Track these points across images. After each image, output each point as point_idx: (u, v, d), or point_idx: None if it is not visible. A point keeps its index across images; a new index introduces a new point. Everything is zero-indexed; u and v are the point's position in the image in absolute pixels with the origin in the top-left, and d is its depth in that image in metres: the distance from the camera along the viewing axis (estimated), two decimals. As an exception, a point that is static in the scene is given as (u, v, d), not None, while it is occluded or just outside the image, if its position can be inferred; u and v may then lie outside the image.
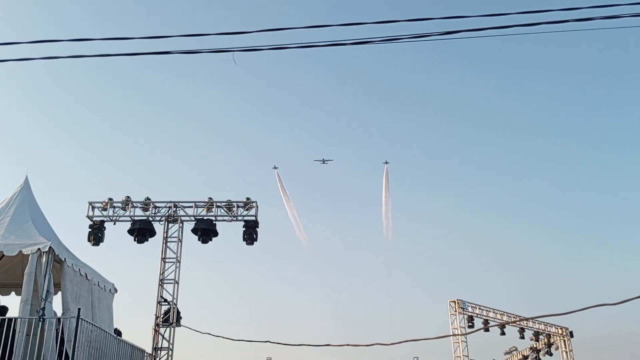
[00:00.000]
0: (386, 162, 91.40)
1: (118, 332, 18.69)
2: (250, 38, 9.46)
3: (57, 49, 10.07)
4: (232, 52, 10.47)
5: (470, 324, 38.78)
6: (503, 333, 40.67)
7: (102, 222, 22.73)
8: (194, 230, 22.90)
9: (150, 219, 22.76)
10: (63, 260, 15.00)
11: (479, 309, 40.02)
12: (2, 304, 15.90)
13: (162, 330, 21.36)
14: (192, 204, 23.49)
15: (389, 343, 19.84)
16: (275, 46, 10.20)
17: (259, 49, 10.23)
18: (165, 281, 22.06)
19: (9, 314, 14.23)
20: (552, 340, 44.96)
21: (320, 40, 9.53)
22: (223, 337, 22.83)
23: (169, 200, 23.46)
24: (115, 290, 19.55)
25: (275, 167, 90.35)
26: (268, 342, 22.82)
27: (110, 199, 23.17)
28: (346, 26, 9.63)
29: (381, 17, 9.47)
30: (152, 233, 22.74)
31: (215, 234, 23.10)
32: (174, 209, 23.22)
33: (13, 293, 18.83)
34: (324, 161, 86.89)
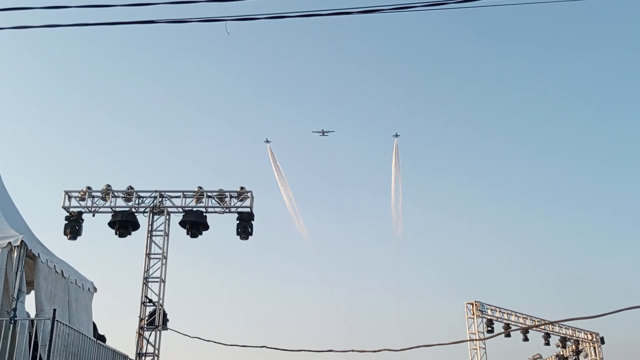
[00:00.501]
0: (396, 135, 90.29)
1: (102, 338, 18.75)
2: (245, 6, 9.37)
3: (29, 18, 10.01)
4: (224, 22, 10.39)
5: (489, 328, 38.92)
6: (526, 339, 40.80)
7: (80, 213, 22.78)
8: (182, 223, 22.94)
9: (134, 210, 22.80)
10: (36, 255, 15.02)
11: (499, 311, 40.12)
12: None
13: (146, 334, 21.44)
14: (180, 194, 23.54)
15: (398, 349, 19.90)
16: (272, 15, 10.12)
17: (255, 18, 10.16)
18: (150, 279, 22.12)
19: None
20: (580, 347, 45.10)
21: (322, 9, 9.44)
22: (214, 342, 22.93)
23: (154, 189, 23.49)
24: (95, 290, 19.60)
25: (267, 141, 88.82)
26: (264, 347, 22.90)
27: (89, 188, 23.22)
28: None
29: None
30: (136, 226, 22.79)
31: (206, 227, 23.14)
32: (160, 199, 23.27)
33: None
34: (323, 133, 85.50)
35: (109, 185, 23.23)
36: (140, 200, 23.17)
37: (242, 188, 23.74)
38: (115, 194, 23.19)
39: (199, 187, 23.56)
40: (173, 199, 23.42)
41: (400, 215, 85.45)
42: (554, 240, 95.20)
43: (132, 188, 23.30)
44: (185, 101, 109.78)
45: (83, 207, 23.00)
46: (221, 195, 23.54)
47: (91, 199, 23.11)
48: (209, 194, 23.50)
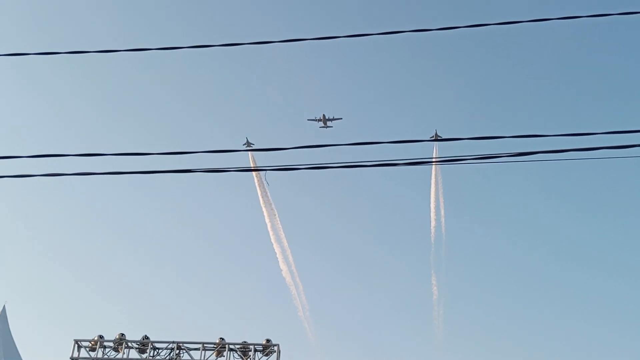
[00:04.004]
0: (436, 138, 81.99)
1: None
2: None
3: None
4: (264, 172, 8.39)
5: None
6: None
7: (90, 367, 20.99)
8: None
9: (148, 366, 20.89)
10: None
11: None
12: None
13: None
14: (200, 346, 21.56)
15: None
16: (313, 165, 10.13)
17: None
18: None
19: None
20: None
21: None
22: None
23: (171, 340, 21.39)
24: None
25: (248, 144, 77.20)
26: None
27: (101, 337, 21.35)
28: None
29: None
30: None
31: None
32: (177, 351, 21.24)
33: None
34: (325, 123, 74.58)
35: (122, 335, 21.24)
36: (156, 352, 21.31)
37: (268, 340, 21.55)
38: (129, 344, 21.24)
39: (220, 338, 21.49)
40: (192, 351, 21.39)
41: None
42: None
43: (147, 338, 21.31)
44: (205, 240, 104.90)
45: (93, 359, 21.10)
46: (245, 349, 21.44)
47: (102, 349, 21.35)
48: (232, 346, 21.32)
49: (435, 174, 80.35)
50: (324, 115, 73.16)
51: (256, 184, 76.64)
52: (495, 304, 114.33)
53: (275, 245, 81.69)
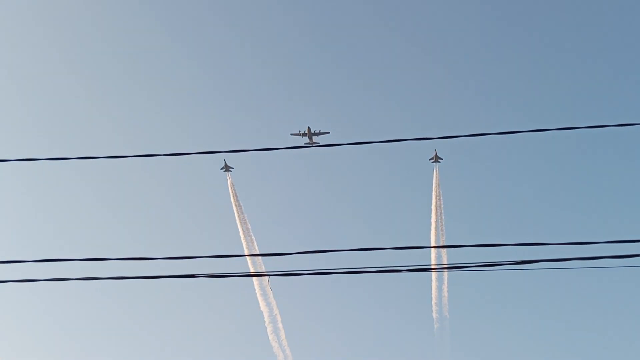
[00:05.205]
0: (436, 160, 76.24)
1: None
2: None
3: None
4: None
5: None
6: None
7: None
8: None
9: None
10: None
11: None
12: None
13: None
14: None
15: None
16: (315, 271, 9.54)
17: (298, 274, 9.36)
18: None
19: None
20: None
21: None
22: None
23: None
24: None
25: (227, 169, 73.20)
26: None
27: None
28: None
29: None
30: None
31: None
32: None
33: None
34: (310, 138, 68.32)
35: None
36: None
37: None
38: None
39: None
40: None
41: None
42: None
43: None
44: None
45: None
46: None
47: None
48: None
49: (437, 279, 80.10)
50: (309, 128, 67.97)
51: (257, 291, 75.94)
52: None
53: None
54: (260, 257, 65.96)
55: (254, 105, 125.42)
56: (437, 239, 78.88)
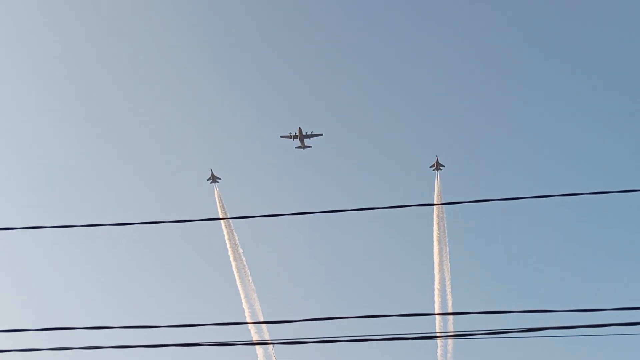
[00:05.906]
0: (437, 167, 72.89)
1: None
2: None
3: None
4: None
5: None
6: None
7: None
8: None
9: None
10: None
11: None
12: None
13: None
14: None
15: None
16: None
17: (302, 342, 9.08)
18: None
19: None
20: None
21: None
22: None
23: None
24: None
25: (214, 180, 68.54)
26: None
27: None
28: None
29: None
30: None
31: None
32: None
33: None
34: (302, 141, 63.39)
35: None
36: None
37: None
38: None
39: None
40: None
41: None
42: None
43: None
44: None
45: None
46: None
47: None
48: None
49: (442, 347, 78.73)
50: (300, 130, 62.69)
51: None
52: None
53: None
54: (264, 325, 64.66)
55: (247, 105, 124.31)
56: (441, 305, 77.80)
